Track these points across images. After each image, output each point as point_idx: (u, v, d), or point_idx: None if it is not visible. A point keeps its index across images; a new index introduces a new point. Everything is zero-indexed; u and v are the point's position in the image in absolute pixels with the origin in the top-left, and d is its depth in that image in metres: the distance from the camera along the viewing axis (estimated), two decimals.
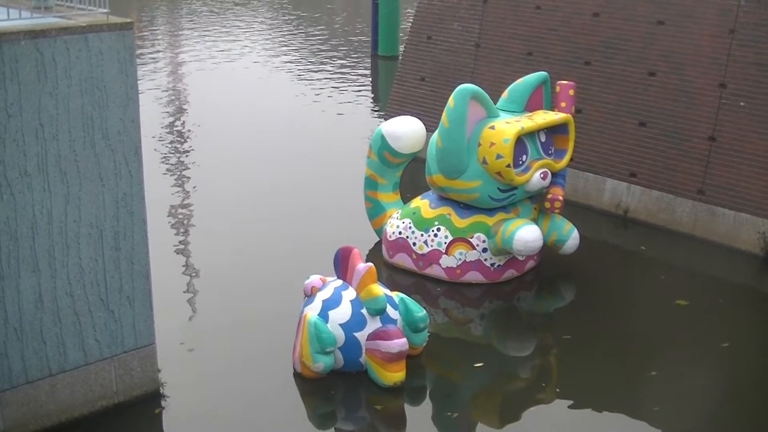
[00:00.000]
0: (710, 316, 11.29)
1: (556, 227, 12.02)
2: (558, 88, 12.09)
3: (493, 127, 11.28)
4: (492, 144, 11.19)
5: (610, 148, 14.26)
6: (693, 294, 11.74)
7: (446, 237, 11.67)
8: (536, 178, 11.48)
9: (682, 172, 13.45)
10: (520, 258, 11.85)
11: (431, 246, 11.75)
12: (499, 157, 11.16)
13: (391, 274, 12.03)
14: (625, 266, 12.94)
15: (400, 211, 12.25)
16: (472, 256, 11.63)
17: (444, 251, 11.68)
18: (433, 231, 11.76)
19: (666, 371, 9.88)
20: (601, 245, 13.55)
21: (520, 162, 11.39)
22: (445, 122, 11.31)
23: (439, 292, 11.66)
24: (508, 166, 11.17)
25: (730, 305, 11.57)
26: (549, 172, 11.61)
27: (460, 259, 11.64)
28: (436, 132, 11.63)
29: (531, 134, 11.54)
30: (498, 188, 11.43)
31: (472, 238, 11.62)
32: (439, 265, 11.74)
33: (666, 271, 12.56)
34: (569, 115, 11.96)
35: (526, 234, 11.23)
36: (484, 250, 11.63)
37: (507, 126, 11.27)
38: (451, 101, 11.27)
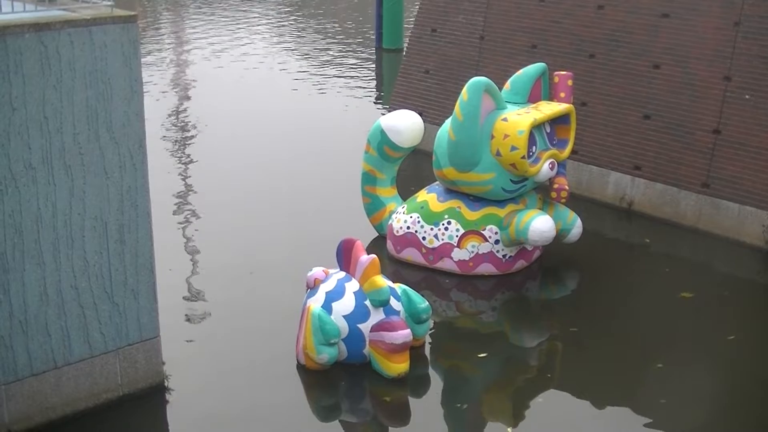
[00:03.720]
0: (715, 309, 11.29)
1: (561, 216, 12.06)
2: (557, 79, 12.11)
3: (505, 119, 11.29)
4: (506, 136, 11.20)
5: (615, 141, 14.25)
6: (697, 287, 11.73)
7: (458, 230, 11.67)
8: (545, 168, 11.54)
9: (687, 165, 13.44)
10: (529, 248, 11.91)
11: (442, 240, 11.75)
12: (513, 148, 11.18)
13: (398, 269, 12.00)
14: (630, 259, 12.94)
15: (405, 205, 12.22)
16: (484, 248, 11.64)
17: (456, 244, 11.68)
18: (443, 224, 11.75)
19: (672, 363, 9.88)
20: (605, 238, 13.54)
21: (531, 153, 11.41)
22: (459, 115, 11.30)
23: (449, 284, 11.66)
24: (523, 157, 11.19)
25: (735, 298, 11.57)
26: (555, 162, 11.66)
27: (472, 252, 11.65)
28: (447, 125, 11.63)
29: (538, 125, 11.56)
30: (511, 180, 11.46)
31: (484, 230, 11.62)
32: (451, 258, 11.74)
33: (670, 263, 12.56)
34: (571, 105, 12.01)
35: (541, 224, 11.27)
36: (497, 241, 11.64)
37: (519, 118, 11.29)
38: (464, 94, 11.26)
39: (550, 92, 12.27)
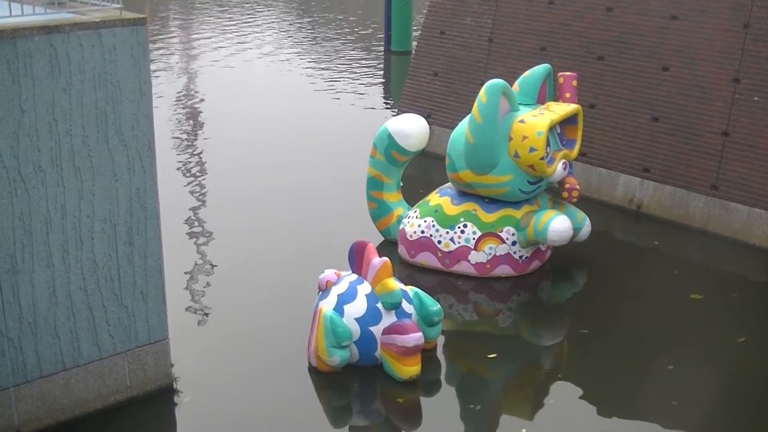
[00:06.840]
0: (725, 311, 11.26)
1: (571, 216, 12.05)
2: (561, 79, 12.14)
3: (522, 121, 11.29)
4: (524, 137, 11.20)
5: (623, 144, 14.23)
6: (707, 289, 11.70)
7: (474, 232, 11.64)
8: (560, 168, 11.57)
9: (696, 168, 13.41)
10: (543, 248, 11.96)
11: (458, 243, 11.71)
12: (532, 150, 11.18)
13: (412, 272, 11.96)
14: (639, 261, 12.91)
15: (417, 209, 12.16)
16: (502, 250, 11.63)
17: (473, 247, 11.67)
18: (459, 227, 11.72)
19: (683, 366, 9.86)
20: (614, 240, 13.53)
21: (546, 154, 11.42)
22: (478, 118, 11.28)
23: (464, 286, 11.63)
24: (542, 158, 11.20)
25: (745, 300, 11.54)
26: (567, 162, 11.67)
27: (490, 254, 11.63)
28: (462, 127, 11.61)
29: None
30: (528, 181, 11.48)
31: (501, 232, 11.61)
32: (468, 261, 11.71)
33: (679, 265, 12.53)
34: (579, 105, 12.03)
35: (560, 225, 11.31)
36: (514, 243, 11.64)
37: (536, 119, 11.31)
38: (483, 96, 11.23)
39: (555, 93, 12.29)
